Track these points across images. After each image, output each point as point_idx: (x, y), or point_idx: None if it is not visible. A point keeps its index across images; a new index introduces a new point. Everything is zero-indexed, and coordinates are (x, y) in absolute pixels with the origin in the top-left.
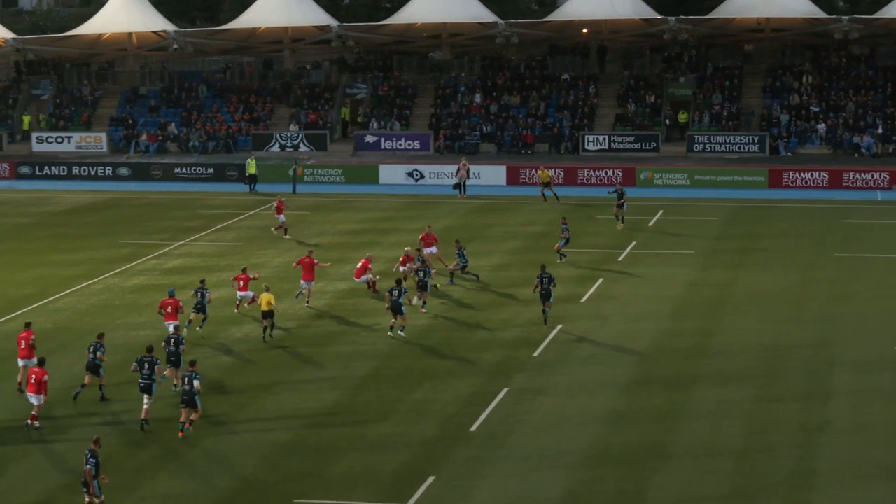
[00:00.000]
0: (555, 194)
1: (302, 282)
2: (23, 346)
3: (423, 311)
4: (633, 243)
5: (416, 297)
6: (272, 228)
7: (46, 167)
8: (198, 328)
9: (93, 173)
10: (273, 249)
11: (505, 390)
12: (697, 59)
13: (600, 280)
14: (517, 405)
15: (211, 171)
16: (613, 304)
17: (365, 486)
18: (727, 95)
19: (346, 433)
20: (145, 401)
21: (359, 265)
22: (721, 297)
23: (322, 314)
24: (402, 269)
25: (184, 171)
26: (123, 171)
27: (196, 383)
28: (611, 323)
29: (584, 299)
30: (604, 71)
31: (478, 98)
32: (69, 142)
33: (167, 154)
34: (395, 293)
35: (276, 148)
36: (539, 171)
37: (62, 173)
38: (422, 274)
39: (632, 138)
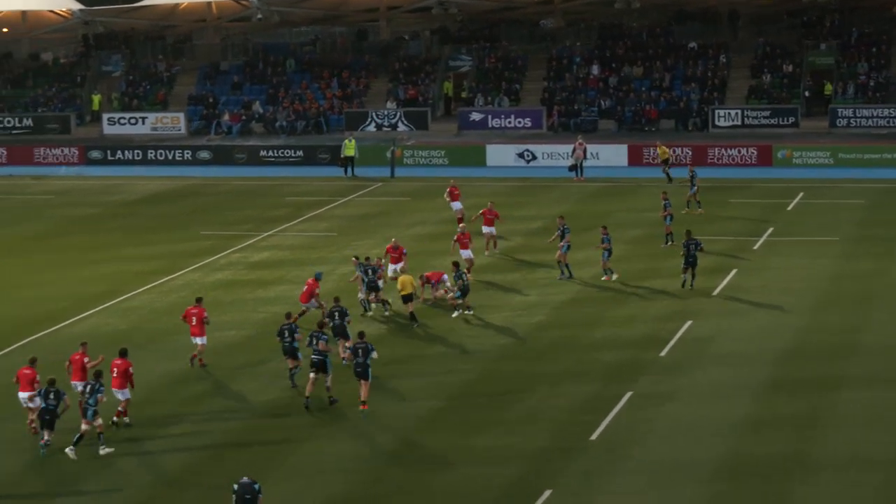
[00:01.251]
0: (668, 175)
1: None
2: (193, 323)
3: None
4: (770, 230)
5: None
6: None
7: (119, 152)
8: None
9: (170, 158)
10: (369, 240)
11: (628, 395)
12: (840, 24)
13: (734, 271)
14: (642, 411)
15: (300, 153)
16: (748, 298)
17: (474, 502)
18: (874, 64)
19: (452, 444)
20: (312, 376)
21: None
22: (868, 290)
23: (424, 311)
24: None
25: (270, 154)
26: (204, 154)
27: (374, 354)
28: (746, 319)
29: (715, 293)
30: (735, 38)
31: (595, 70)
32: (143, 123)
33: (251, 136)
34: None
35: (371, 127)
36: (658, 149)
37: (136, 158)
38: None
39: (767, 112)
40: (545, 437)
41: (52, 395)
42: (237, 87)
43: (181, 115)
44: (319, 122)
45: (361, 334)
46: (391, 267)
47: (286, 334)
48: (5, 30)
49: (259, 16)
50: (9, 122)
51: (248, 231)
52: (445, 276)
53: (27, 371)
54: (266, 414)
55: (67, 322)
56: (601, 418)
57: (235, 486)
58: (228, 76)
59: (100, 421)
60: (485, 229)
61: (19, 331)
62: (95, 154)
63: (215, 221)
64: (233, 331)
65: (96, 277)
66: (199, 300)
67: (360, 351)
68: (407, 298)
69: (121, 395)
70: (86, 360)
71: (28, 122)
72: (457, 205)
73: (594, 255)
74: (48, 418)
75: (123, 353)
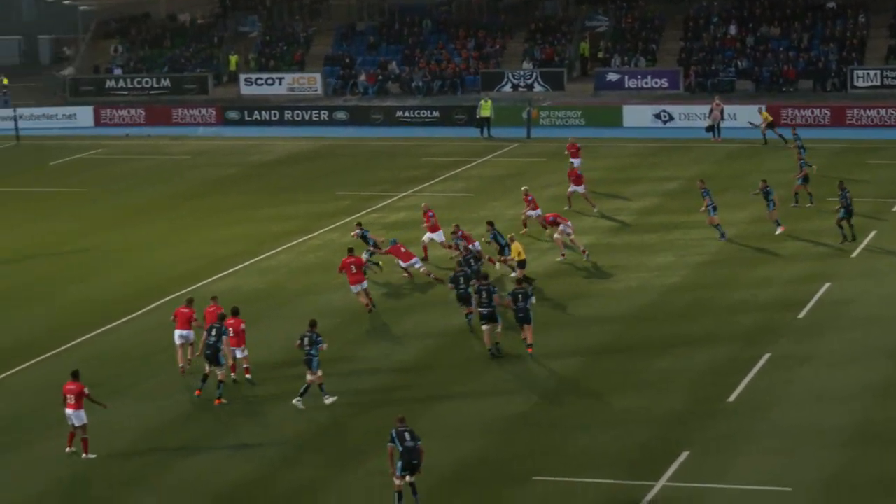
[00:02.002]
0: (764, 138)
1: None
2: (353, 272)
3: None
4: None
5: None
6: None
7: (256, 112)
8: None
9: (307, 118)
10: (504, 200)
11: (766, 357)
12: None
13: (872, 233)
14: (779, 374)
15: (436, 114)
16: (888, 260)
17: (610, 464)
18: None
19: (587, 405)
20: (495, 327)
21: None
22: None
23: (560, 272)
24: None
25: (406, 114)
26: (340, 115)
27: (532, 299)
28: (885, 281)
29: (854, 254)
30: None
31: (732, 30)
32: (280, 84)
33: (388, 96)
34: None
35: (507, 88)
36: (761, 114)
37: (273, 118)
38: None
39: None
40: (682, 399)
41: (213, 332)
42: (373, 48)
43: (318, 76)
44: (455, 82)
45: (524, 280)
46: (428, 236)
47: (461, 281)
48: None
49: None
50: (147, 82)
51: (385, 191)
52: (568, 225)
53: (185, 310)
54: (405, 370)
55: (206, 282)
56: (739, 380)
57: (400, 448)
58: (365, 37)
59: (320, 372)
60: (575, 189)
61: (158, 290)
62: (232, 114)
63: (352, 182)
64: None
65: (234, 237)
66: (351, 250)
67: (520, 296)
68: (522, 264)
69: (239, 352)
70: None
71: (166, 82)
72: (576, 161)
73: (730, 216)
74: (210, 353)
75: (235, 312)
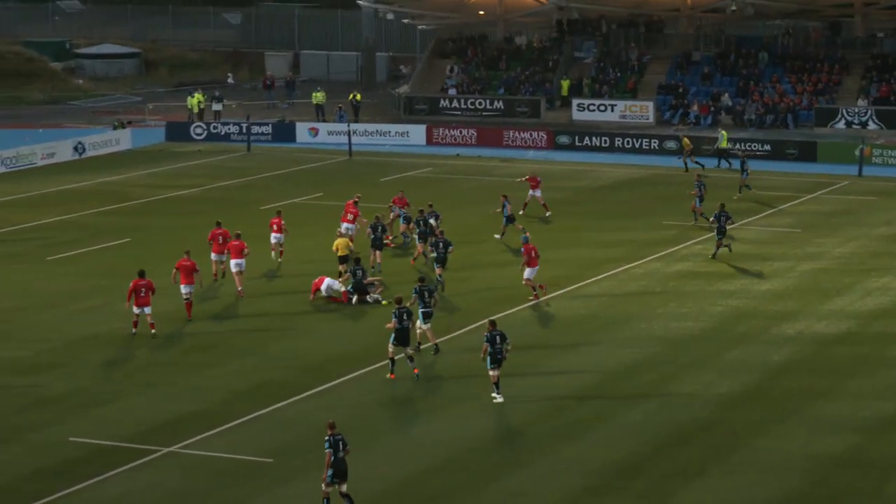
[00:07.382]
0: (686, 164)
1: None
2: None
3: None
4: None
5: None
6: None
7: (586, 137)
8: None
9: (636, 146)
10: (834, 238)
11: None
12: None
13: None
14: None
15: (767, 147)
16: None
17: None
18: None
19: None
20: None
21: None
22: None
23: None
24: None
25: (737, 147)
26: (670, 144)
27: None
28: None
29: None
30: None
31: None
32: (612, 111)
33: (719, 128)
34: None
35: (841, 124)
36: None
37: (603, 145)
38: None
39: None
40: None
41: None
42: (707, 78)
43: (650, 105)
44: (787, 116)
45: None
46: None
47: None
48: (482, 13)
49: (733, 7)
50: (480, 103)
51: (713, 224)
52: None
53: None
54: (719, 406)
55: (525, 305)
56: None
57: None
58: (699, 67)
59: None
60: (530, 193)
61: (485, 312)
62: (563, 139)
63: (679, 212)
64: (690, 322)
65: (558, 260)
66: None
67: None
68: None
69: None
70: None
71: (499, 104)
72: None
73: None
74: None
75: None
